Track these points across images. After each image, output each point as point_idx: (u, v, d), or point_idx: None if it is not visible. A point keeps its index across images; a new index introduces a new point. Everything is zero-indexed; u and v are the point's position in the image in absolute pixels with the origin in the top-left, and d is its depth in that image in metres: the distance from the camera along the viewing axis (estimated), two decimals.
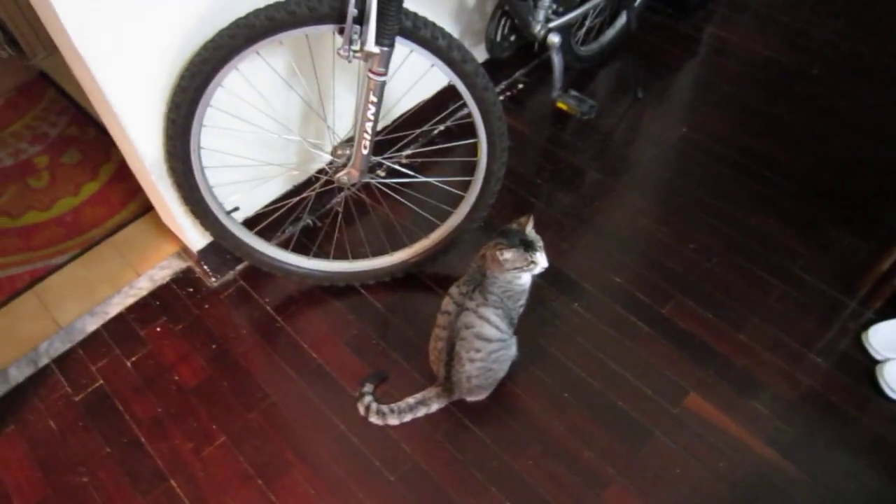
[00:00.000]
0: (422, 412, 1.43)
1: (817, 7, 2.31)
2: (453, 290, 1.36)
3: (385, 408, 1.43)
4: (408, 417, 1.43)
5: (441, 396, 1.44)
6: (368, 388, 1.47)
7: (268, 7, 1.22)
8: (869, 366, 1.48)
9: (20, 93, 2.24)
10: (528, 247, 1.29)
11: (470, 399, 1.45)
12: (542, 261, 1.31)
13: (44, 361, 1.59)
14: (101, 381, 1.55)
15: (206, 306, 1.67)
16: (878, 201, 1.77)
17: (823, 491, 1.32)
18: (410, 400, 1.44)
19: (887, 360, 1.46)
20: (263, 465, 1.41)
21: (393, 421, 1.43)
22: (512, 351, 1.40)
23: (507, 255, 1.26)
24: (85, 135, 2.09)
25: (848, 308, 1.58)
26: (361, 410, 1.45)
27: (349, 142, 1.43)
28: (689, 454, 1.37)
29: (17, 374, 1.58)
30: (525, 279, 1.34)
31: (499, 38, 1.78)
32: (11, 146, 2.08)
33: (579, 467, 1.37)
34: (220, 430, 1.46)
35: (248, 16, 1.23)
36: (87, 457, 1.44)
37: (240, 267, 1.74)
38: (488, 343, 1.32)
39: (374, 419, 1.43)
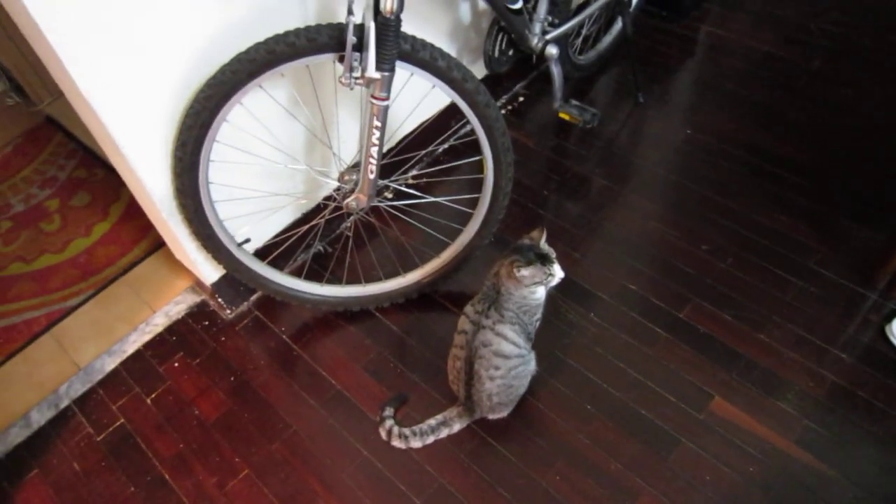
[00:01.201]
0: (444, 433, 1.43)
1: (813, 0, 2.31)
2: (468, 308, 1.35)
3: (407, 431, 1.42)
4: (430, 439, 1.42)
5: (463, 416, 1.43)
6: (389, 411, 1.47)
7: (267, 40, 1.23)
8: (894, 357, 1.46)
9: (28, 138, 2.27)
10: (545, 260, 1.29)
11: (492, 417, 1.44)
12: (558, 272, 1.31)
13: (64, 403, 1.60)
14: (123, 420, 1.55)
15: (223, 339, 1.67)
16: (889, 190, 1.75)
17: (857, 489, 1.30)
18: (432, 421, 1.43)
19: None
20: (289, 497, 1.40)
21: (416, 443, 1.42)
22: (531, 366, 1.40)
23: (526, 271, 1.26)
24: (94, 176, 2.11)
25: (868, 300, 1.56)
26: (383, 435, 1.44)
27: (355, 167, 1.44)
28: (718, 460, 1.36)
29: (39, 418, 1.58)
30: (540, 293, 1.34)
31: (496, 53, 1.79)
32: (22, 192, 2.10)
33: (607, 480, 1.35)
34: (244, 463, 1.46)
35: (248, 50, 1.24)
36: (112, 497, 1.44)
37: (254, 298, 1.74)
38: (507, 360, 1.32)
39: (396, 443, 1.43)
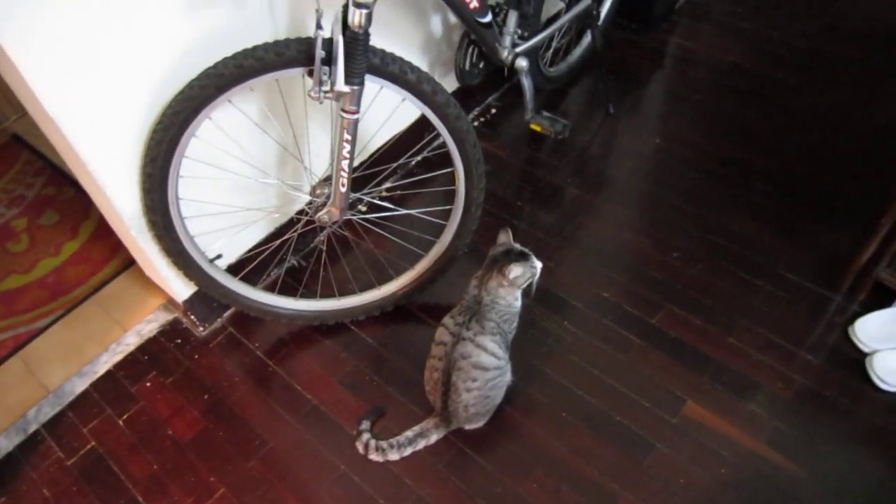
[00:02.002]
0: (421, 444, 1.42)
1: (776, 12, 2.37)
2: (447, 320, 1.36)
3: (384, 444, 1.42)
4: (408, 451, 1.42)
5: (440, 427, 1.43)
6: (366, 425, 1.46)
7: (236, 55, 1.23)
8: (858, 358, 1.49)
9: None
10: (525, 257, 1.32)
11: (468, 427, 1.44)
12: (538, 263, 1.35)
13: (33, 428, 1.56)
14: (94, 443, 1.52)
15: (196, 356, 1.65)
16: (851, 195, 1.80)
17: (827, 486, 1.32)
18: (409, 433, 1.43)
19: (875, 351, 1.47)
20: None
21: (393, 456, 1.42)
22: (507, 377, 1.40)
23: (517, 270, 1.28)
24: (62, 194, 2.08)
25: (833, 303, 1.59)
26: (360, 449, 1.44)
27: (327, 181, 1.44)
28: (692, 462, 1.37)
29: (7, 444, 1.54)
30: (520, 298, 1.35)
31: (468, 66, 1.81)
32: None
33: (584, 485, 1.36)
34: (220, 482, 1.44)
35: (216, 65, 1.24)
36: None
37: (227, 314, 1.73)
38: (486, 372, 1.32)
39: (374, 456, 1.42)
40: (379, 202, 1.80)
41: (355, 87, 1.25)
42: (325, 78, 1.24)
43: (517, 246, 1.36)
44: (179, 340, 1.69)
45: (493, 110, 2.17)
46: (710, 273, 1.67)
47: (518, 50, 1.78)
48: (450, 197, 1.57)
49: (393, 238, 1.80)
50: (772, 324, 1.57)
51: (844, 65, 2.15)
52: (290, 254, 1.80)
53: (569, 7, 1.94)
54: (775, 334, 1.55)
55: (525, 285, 1.34)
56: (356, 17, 1.18)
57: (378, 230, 1.80)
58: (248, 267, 1.68)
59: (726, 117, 2.05)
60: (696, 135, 2.01)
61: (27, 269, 1.89)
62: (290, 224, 1.76)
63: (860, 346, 1.50)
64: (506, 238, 1.38)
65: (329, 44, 1.22)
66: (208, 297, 1.63)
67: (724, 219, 1.78)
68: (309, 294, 1.71)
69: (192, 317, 1.67)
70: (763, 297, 1.62)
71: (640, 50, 2.30)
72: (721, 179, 1.88)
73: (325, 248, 1.81)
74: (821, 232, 1.73)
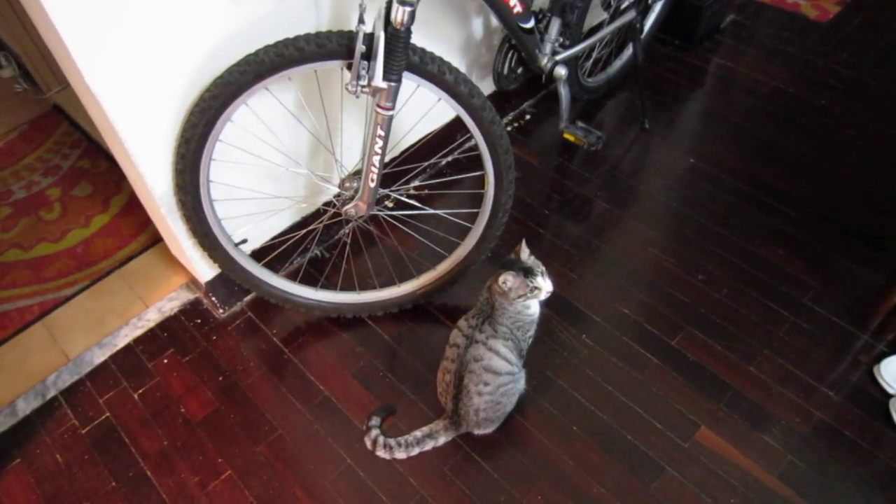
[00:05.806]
0: (429, 445, 1.42)
1: (823, 38, 2.32)
2: (462, 322, 1.36)
3: (392, 441, 1.42)
4: (415, 451, 1.42)
5: (449, 429, 1.42)
6: (376, 421, 1.46)
7: (277, 43, 1.24)
8: (882, 399, 1.46)
9: (34, 126, 2.28)
10: (528, 273, 1.29)
11: (478, 432, 1.44)
12: (545, 285, 1.31)
13: (51, 394, 1.59)
14: (108, 414, 1.55)
15: (214, 338, 1.67)
16: (887, 232, 1.76)
17: None
18: (418, 433, 1.43)
19: None
20: (270, 500, 1.39)
21: (400, 455, 1.41)
22: (520, 384, 1.39)
23: (509, 282, 1.26)
24: (97, 167, 2.12)
25: (859, 341, 1.56)
26: (368, 444, 1.44)
27: (357, 174, 1.44)
28: (701, 490, 1.35)
29: (25, 407, 1.58)
30: (534, 308, 1.34)
31: (506, 70, 1.80)
32: (25, 178, 2.11)
33: (588, 503, 1.34)
34: (227, 464, 1.45)
35: (257, 52, 1.25)
36: (93, 491, 1.43)
37: (247, 298, 1.74)
38: (497, 376, 1.32)
39: (381, 453, 1.42)
40: (406, 200, 1.80)
41: (393, 84, 1.25)
42: (363, 72, 1.24)
43: (529, 259, 1.33)
44: (199, 321, 1.71)
45: (528, 116, 2.16)
46: (735, 299, 1.64)
47: (558, 58, 1.76)
48: (477, 200, 1.57)
49: (417, 236, 1.80)
50: (794, 356, 1.53)
51: (890, 98, 2.10)
52: (314, 244, 1.81)
53: (612, 18, 1.93)
54: (797, 367, 1.52)
55: (521, 300, 1.30)
56: (399, 14, 1.18)
57: (403, 227, 1.80)
58: (272, 254, 1.69)
59: (764, 142, 2.02)
60: (731, 157, 1.98)
61: (57, 239, 1.93)
62: (317, 215, 1.77)
63: (885, 386, 1.46)
64: (519, 249, 1.36)
65: (370, 39, 1.22)
66: (230, 280, 1.64)
67: (754, 245, 1.75)
68: (329, 286, 1.72)
69: (213, 298, 1.69)
70: (787, 327, 1.58)
71: (681, 67, 2.27)
72: (753, 204, 1.85)
73: (349, 241, 1.82)
74: (852, 267, 1.69)
